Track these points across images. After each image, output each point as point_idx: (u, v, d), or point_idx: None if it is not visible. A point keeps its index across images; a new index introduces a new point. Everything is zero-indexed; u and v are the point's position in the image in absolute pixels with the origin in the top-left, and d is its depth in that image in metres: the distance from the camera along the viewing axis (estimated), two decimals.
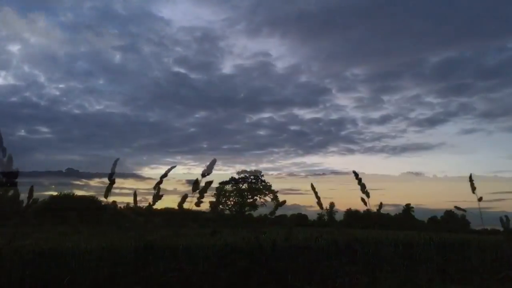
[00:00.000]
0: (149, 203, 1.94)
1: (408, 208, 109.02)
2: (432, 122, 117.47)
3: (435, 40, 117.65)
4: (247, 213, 71.60)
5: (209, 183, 1.72)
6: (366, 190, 1.96)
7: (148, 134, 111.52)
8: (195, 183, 1.72)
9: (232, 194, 72.35)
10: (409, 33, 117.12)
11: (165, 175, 1.85)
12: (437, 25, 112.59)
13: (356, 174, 1.94)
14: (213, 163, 1.72)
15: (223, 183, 72.56)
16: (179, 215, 1.80)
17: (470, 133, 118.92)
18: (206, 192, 1.73)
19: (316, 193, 2.08)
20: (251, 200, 72.46)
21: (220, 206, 71.01)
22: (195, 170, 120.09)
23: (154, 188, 1.88)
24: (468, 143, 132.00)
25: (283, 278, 2.00)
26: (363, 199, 2.05)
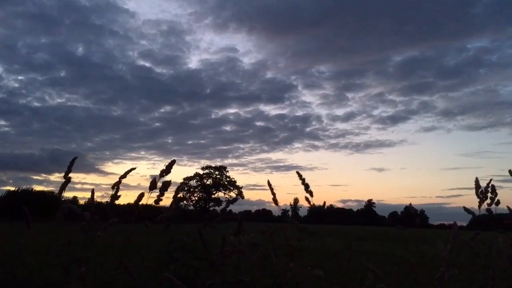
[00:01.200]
0: (106, 202, 1.88)
1: (370, 204, 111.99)
2: (394, 119, 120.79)
3: (399, 40, 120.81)
4: (211, 208, 71.52)
5: (167, 183, 1.68)
6: (310, 190, 1.96)
7: (111, 128, 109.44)
8: (152, 183, 1.67)
9: (196, 189, 72.12)
10: (374, 32, 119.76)
11: (124, 176, 1.79)
12: (400, 25, 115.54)
13: (299, 175, 1.93)
14: (172, 163, 1.68)
15: (187, 179, 72.33)
16: (135, 212, 1.74)
17: (430, 131, 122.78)
18: (166, 190, 1.68)
19: (272, 189, 2.07)
20: (215, 195, 72.43)
21: (184, 202, 70.57)
22: (160, 166, 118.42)
23: (113, 188, 1.82)
24: (428, 140, 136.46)
25: (229, 274, 1.98)
26: (307, 198, 2.05)
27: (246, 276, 1.97)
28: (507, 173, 1.58)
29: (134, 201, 1.76)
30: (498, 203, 1.60)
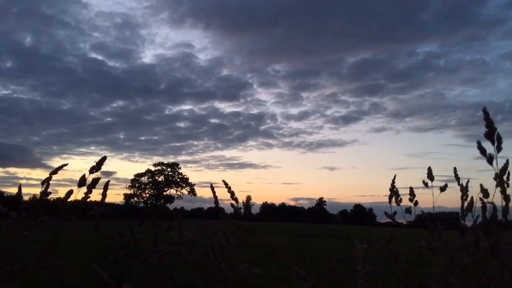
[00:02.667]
0: (36, 197, 1.78)
1: (320, 202, 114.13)
2: (346, 120, 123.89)
3: (352, 42, 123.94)
4: (163, 205, 70.46)
5: (96, 180, 1.61)
6: (235, 197, 1.96)
7: (60, 122, 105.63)
8: (81, 179, 1.59)
9: (147, 186, 70.84)
10: (329, 33, 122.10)
11: (55, 172, 1.70)
12: (355, 27, 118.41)
13: (225, 183, 1.92)
14: (102, 160, 1.61)
15: (138, 175, 70.91)
16: (65, 208, 1.66)
17: (380, 132, 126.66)
18: (94, 187, 1.61)
19: (229, 188, 2.04)
20: (167, 192, 71.48)
21: (135, 198, 69.21)
22: (111, 162, 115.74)
23: (42, 184, 1.72)
24: (378, 141, 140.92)
25: (163, 272, 1.93)
26: (232, 204, 2.05)
27: (178, 274, 1.93)
28: (451, 173, 1.69)
29: (63, 198, 1.68)
30: (416, 203, 1.71)
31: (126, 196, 68.82)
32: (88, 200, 1.74)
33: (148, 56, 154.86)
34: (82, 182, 1.60)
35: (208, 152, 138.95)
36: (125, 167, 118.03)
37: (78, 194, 1.66)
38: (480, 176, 1.61)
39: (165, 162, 73.25)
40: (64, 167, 1.75)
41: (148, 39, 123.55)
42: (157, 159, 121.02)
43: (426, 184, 1.78)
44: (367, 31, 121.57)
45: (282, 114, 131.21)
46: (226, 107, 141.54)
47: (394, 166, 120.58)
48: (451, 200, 1.87)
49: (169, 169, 71.86)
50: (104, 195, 1.72)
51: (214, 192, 2.25)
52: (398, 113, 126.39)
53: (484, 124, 1.61)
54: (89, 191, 1.61)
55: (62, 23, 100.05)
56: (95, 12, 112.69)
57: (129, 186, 70.81)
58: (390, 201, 1.64)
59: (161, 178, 71.40)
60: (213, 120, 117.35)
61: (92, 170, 1.62)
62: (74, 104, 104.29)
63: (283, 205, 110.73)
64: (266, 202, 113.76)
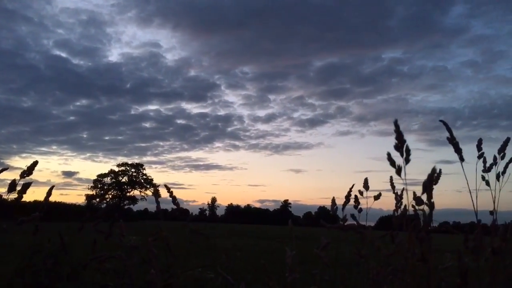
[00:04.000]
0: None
1: (286, 204, 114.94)
2: (312, 123, 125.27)
3: (320, 46, 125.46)
4: (126, 207, 69.19)
5: (27, 185, 1.57)
6: (177, 202, 1.97)
7: (20, 120, 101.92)
8: (11, 184, 1.55)
9: (110, 187, 69.40)
10: (297, 37, 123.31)
11: (29, 172, 1.64)
12: (322, 31, 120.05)
13: (167, 188, 1.92)
14: (34, 165, 1.57)
15: (101, 176, 69.37)
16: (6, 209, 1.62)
17: (345, 135, 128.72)
18: (25, 193, 1.57)
19: (171, 193, 2.03)
20: (130, 193, 70.26)
21: (97, 199, 67.65)
22: (73, 162, 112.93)
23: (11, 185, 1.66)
24: (343, 144, 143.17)
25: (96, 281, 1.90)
26: (176, 209, 2.05)
27: (112, 282, 1.89)
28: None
29: None
30: (360, 210, 1.72)
31: (88, 197, 67.23)
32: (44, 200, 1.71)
33: (114, 55, 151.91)
34: (12, 187, 1.55)
35: (174, 153, 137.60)
36: (88, 167, 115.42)
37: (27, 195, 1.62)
38: (440, 180, 1.68)
39: (130, 162, 72.03)
40: (23, 167, 1.69)
41: (115, 37, 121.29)
42: (122, 159, 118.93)
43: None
44: (334, 36, 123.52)
45: (249, 116, 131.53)
46: (193, 108, 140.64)
47: (358, 169, 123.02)
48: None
49: (133, 170, 70.70)
50: (46, 199, 1.68)
51: (171, 194, 2.23)
52: (363, 117, 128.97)
53: (388, 136, 1.67)
54: (19, 197, 1.56)
55: (25, 18, 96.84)
56: (60, 8, 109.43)
57: (91, 186, 69.25)
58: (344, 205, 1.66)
59: (124, 179, 70.15)
60: (179, 121, 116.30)
61: (23, 174, 1.57)
62: (35, 102, 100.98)
63: (248, 207, 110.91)
64: (231, 204, 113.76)
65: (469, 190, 1.72)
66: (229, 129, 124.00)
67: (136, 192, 70.69)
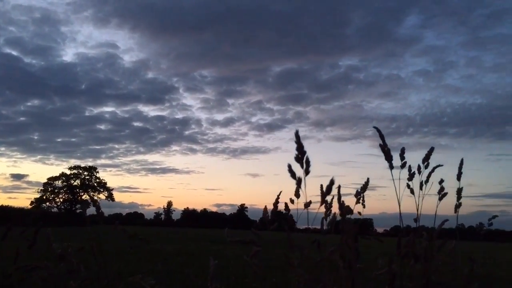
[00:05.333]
0: None
1: (242, 208, 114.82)
2: (270, 127, 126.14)
3: (279, 51, 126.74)
4: (78, 211, 66.97)
5: None
6: (101, 211, 1.93)
7: None
8: None
9: (62, 190, 67.06)
10: (257, 42, 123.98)
11: None
12: (281, 37, 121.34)
13: (93, 200, 1.88)
14: None
15: (51, 179, 66.89)
16: None
17: (302, 140, 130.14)
18: None
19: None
20: (83, 197, 68.14)
21: (47, 203, 65.23)
22: (22, 164, 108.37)
23: None
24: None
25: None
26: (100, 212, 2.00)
27: None
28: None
29: None
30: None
31: (38, 201, 64.60)
32: None
33: (68, 55, 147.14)
34: None
35: (129, 156, 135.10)
36: (38, 170, 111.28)
37: None
38: (392, 184, 1.73)
39: (83, 165, 69.91)
40: None
41: (70, 36, 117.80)
42: (74, 162, 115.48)
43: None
44: (293, 42, 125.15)
45: (207, 119, 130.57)
46: (150, 110, 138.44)
47: (314, 174, 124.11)
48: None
49: (86, 173, 68.66)
50: None
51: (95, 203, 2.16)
52: (320, 122, 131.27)
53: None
54: None
55: None
56: (12, 4, 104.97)
57: (41, 190, 66.64)
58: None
59: (76, 182, 68.00)
60: (136, 124, 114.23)
61: None
62: None
63: (204, 211, 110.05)
64: (187, 208, 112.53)
65: (397, 197, 1.77)
66: (187, 132, 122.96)
67: (88, 196, 68.67)
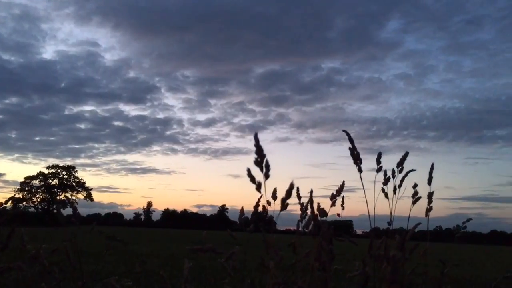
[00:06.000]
0: None
1: (223, 209, 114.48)
2: (252, 128, 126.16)
3: (262, 53, 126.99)
4: (55, 211, 65.74)
5: None
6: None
7: None
8: None
9: (39, 190, 65.87)
10: (240, 43, 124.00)
11: None
12: (264, 39, 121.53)
13: (68, 199, 1.85)
14: None
15: (29, 178, 65.63)
16: None
17: (284, 141, 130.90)
18: None
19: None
20: (61, 196, 67.06)
21: (24, 203, 64.01)
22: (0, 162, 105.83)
23: None
24: (282, 150, 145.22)
25: None
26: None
27: None
28: (346, 184, 1.80)
29: None
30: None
31: (14, 200, 63.30)
32: None
33: (48, 52, 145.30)
34: None
35: (109, 155, 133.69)
36: (16, 169, 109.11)
37: None
38: (372, 186, 1.77)
39: (61, 164, 68.77)
40: None
41: (50, 34, 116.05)
42: (53, 161, 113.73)
43: (269, 203, 1.84)
44: (276, 44, 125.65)
45: (189, 120, 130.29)
46: (131, 110, 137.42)
47: (296, 175, 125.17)
48: (356, 209, 1.99)
49: (64, 172, 67.55)
50: None
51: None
52: (302, 124, 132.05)
53: (346, 142, 1.72)
54: None
55: None
56: None
57: (18, 189, 65.34)
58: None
59: (54, 182, 66.86)
60: (116, 123, 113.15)
61: None
62: None
63: (185, 212, 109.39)
64: (168, 208, 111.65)
65: (366, 200, 1.80)
66: (168, 132, 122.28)
67: (66, 196, 67.59)
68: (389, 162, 1.82)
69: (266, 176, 1.22)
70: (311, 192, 1.72)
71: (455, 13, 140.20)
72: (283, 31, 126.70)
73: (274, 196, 1.34)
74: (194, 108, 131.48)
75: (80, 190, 67.88)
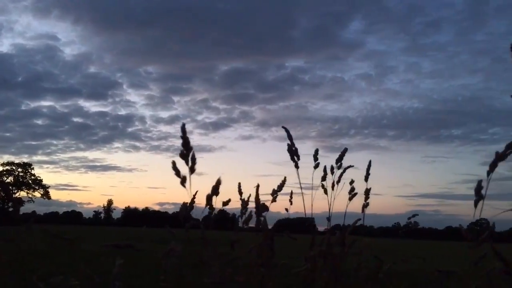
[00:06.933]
0: None
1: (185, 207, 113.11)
2: (216, 126, 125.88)
3: (226, 50, 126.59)
4: (10, 209, 63.46)
5: None
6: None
7: None
8: None
9: None
10: (204, 40, 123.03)
11: None
12: (228, 36, 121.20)
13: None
14: None
15: None
16: None
17: (248, 139, 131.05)
18: None
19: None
20: (16, 195, 64.63)
21: None
22: None
23: None
24: (245, 148, 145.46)
25: None
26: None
27: None
28: (308, 182, 1.82)
29: None
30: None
31: None
32: None
33: (5, 45, 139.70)
34: None
35: (68, 152, 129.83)
36: None
37: None
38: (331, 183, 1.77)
39: (17, 161, 66.33)
40: None
41: (6, 26, 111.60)
42: (8, 158, 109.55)
43: (228, 202, 1.83)
44: (240, 42, 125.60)
45: (151, 117, 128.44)
46: (91, 106, 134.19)
47: (259, 173, 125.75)
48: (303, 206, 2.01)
49: (20, 170, 65.19)
50: None
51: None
52: (265, 122, 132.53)
53: (287, 141, 1.73)
54: None
55: None
56: None
57: None
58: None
59: (10, 179, 64.39)
60: (76, 119, 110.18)
61: None
62: None
63: (147, 210, 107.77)
64: (129, 206, 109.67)
65: (302, 194, 1.83)
66: (130, 129, 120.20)
67: (22, 194, 65.29)
68: (350, 160, 1.85)
69: (192, 170, 1.21)
70: (257, 187, 1.72)
71: (416, 16, 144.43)
72: (248, 29, 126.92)
73: (216, 192, 1.33)
74: (156, 104, 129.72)
75: (37, 188, 65.74)
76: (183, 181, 1.19)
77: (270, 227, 1.78)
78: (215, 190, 1.29)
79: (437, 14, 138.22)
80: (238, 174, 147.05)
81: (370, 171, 1.79)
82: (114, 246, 1.23)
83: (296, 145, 1.70)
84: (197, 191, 1.32)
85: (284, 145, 1.74)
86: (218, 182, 1.27)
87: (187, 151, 1.17)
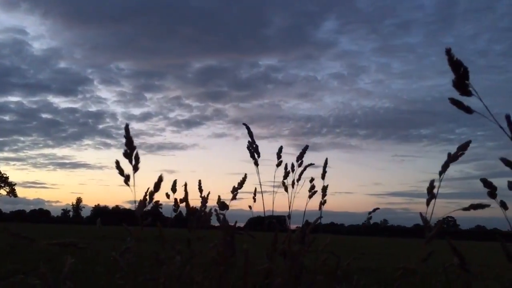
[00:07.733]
0: None
1: (157, 205, 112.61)
2: (189, 124, 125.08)
3: (199, 48, 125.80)
4: None
5: None
6: None
7: None
8: None
9: None
10: (177, 37, 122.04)
11: None
12: (202, 34, 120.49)
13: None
14: None
15: None
16: None
17: (220, 137, 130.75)
18: None
19: None
20: None
21: None
22: None
23: None
24: (218, 146, 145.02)
25: None
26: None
27: None
28: (280, 180, 1.80)
29: None
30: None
31: None
32: None
33: None
34: None
35: (36, 149, 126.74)
36: None
37: None
38: (301, 183, 1.77)
39: None
40: None
41: None
42: None
43: (168, 196, 1.81)
44: (214, 39, 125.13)
45: (123, 113, 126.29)
46: (61, 102, 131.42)
47: (231, 171, 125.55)
48: (282, 204, 2.04)
49: None
50: None
51: None
52: (238, 120, 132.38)
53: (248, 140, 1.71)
54: None
55: None
56: None
57: None
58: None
59: None
60: (45, 115, 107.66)
61: None
62: None
63: (117, 208, 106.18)
64: (99, 204, 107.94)
65: (261, 192, 1.82)
66: (101, 126, 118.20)
67: None
68: (322, 158, 1.87)
69: (135, 168, 1.19)
70: (185, 185, 1.70)
71: (387, 17, 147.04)
72: (221, 27, 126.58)
73: (157, 189, 1.31)
74: (128, 101, 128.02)
75: (3, 185, 63.97)
76: (126, 179, 1.16)
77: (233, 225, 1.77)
78: (157, 186, 1.27)
79: (407, 16, 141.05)
80: (211, 172, 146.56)
81: (338, 170, 1.82)
82: (57, 244, 1.20)
83: (270, 143, 1.69)
84: (148, 188, 1.29)
85: (257, 144, 1.72)
86: (160, 179, 1.25)
87: (130, 151, 1.15)
